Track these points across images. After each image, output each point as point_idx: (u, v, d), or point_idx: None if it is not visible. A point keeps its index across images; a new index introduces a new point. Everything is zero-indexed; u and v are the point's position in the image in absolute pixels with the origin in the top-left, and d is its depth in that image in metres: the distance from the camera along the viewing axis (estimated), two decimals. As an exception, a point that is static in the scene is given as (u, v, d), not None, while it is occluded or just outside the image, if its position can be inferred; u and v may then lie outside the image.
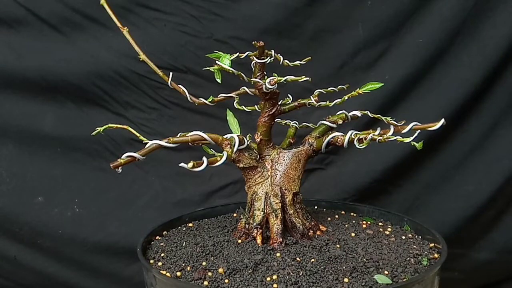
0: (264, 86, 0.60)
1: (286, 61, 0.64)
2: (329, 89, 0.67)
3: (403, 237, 0.70)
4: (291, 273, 0.58)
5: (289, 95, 0.68)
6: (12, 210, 1.02)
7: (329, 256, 0.61)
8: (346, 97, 0.67)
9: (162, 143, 0.60)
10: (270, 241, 0.66)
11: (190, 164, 0.56)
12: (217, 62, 0.60)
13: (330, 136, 0.66)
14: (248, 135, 0.67)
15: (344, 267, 0.59)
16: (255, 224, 0.67)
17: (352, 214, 0.81)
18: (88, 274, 1.07)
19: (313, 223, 0.69)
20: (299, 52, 1.01)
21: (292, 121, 0.73)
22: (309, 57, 0.66)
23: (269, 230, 0.67)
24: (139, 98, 1.02)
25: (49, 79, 0.98)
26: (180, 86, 0.65)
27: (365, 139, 0.63)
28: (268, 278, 0.57)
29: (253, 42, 0.60)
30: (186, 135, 0.62)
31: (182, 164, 0.57)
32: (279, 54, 0.63)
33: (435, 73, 1.03)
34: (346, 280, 0.56)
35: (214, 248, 0.66)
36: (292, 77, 0.62)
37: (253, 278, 0.57)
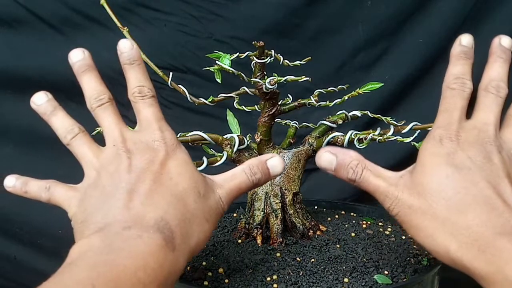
0: (264, 86, 0.60)
1: (286, 61, 0.64)
2: (329, 89, 0.67)
3: (403, 237, 0.70)
4: (291, 273, 0.58)
5: (289, 95, 0.68)
6: (12, 210, 1.02)
7: (329, 256, 0.61)
8: (346, 97, 0.67)
9: (162, 143, 0.60)
10: (270, 241, 0.66)
11: (190, 164, 0.56)
12: (217, 62, 0.60)
13: (330, 136, 0.66)
14: (248, 135, 0.67)
15: (344, 267, 0.59)
16: (255, 224, 0.67)
17: (352, 214, 0.81)
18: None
19: (313, 223, 0.69)
20: (299, 52, 1.01)
21: (292, 121, 0.73)
22: (309, 57, 0.66)
23: (269, 230, 0.67)
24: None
25: (49, 79, 0.98)
26: (180, 86, 0.65)
27: (365, 139, 0.63)
28: (268, 278, 0.57)
29: (253, 42, 0.60)
30: (186, 135, 0.62)
31: (182, 164, 0.57)
32: (279, 54, 0.63)
33: (435, 73, 1.03)
34: (346, 280, 0.56)
35: (214, 248, 0.66)
36: (292, 77, 0.62)
37: (253, 278, 0.57)
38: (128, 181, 0.42)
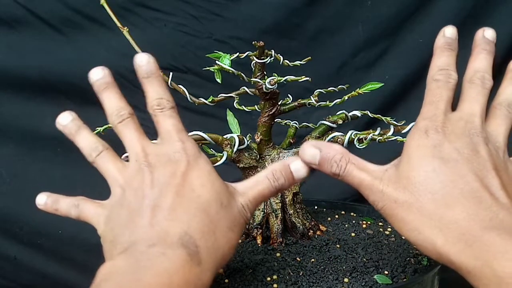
0: (264, 86, 0.60)
1: (286, 61, 0.64)
2: (329, 89, 0.67)
3: (403, 237, 0.70)
4: (291, 273, 0.58)
5: (289, 95, 0.68)
6: (12, 210, 1.02)
7: (329, 256, 0.61)
8: (346, 97, 0.67)
9: (162, 143, 0.60)
10: (270, 241, 0.66)
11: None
12: (217, 62, 0.60)
13: (330, 136, 0.66)
14: (248, 135, 0.67)
15: (344, 267, 0.59)
16: (255, 224, 0.67)
17: (352, 214, 0.81)
18: (88, 275, 1.07)
19: (313, 223, 0.69)
20: (299, 52, 1.01)
21: (292, 121, 0.73)
22: (309, 57, 0.66)
23: (269, 230, 0.67)
24: (139, 98, 1.02)
25: (49, 79, 0.98)
26: (180, 86, 0.65)
27: (365, 139, 0.63)
28: (268, 278, 0.57)
29: (253, 42, 0.60)
30: (186, 135, 0.62)
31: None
32: (279, 54, 0.63)
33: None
34: (346, 280, 0.56)
35: (214, 248, 0.66)
36: (292, 77, 0.62)
37: (253, 278, 0.57)
38: (151, 197, 0.42)
